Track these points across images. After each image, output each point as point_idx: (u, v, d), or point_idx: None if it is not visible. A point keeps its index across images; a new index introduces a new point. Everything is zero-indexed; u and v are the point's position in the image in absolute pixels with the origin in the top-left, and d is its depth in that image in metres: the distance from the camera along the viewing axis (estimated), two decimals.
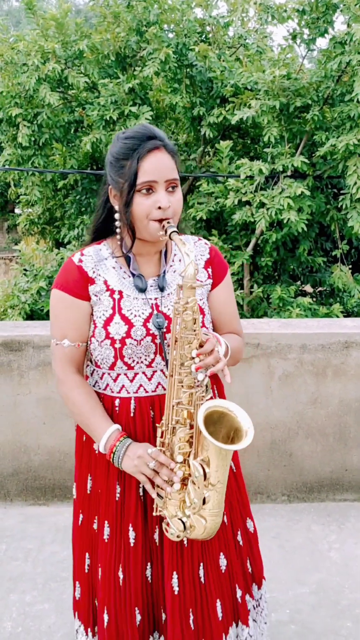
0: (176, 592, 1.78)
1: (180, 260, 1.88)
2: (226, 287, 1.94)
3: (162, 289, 1.83)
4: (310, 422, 3.53)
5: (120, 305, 1.78)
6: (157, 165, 1.71)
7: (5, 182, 9.69)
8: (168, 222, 1.70)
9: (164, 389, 1.77)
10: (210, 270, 1.91)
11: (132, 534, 1.81)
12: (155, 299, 1.81)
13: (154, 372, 1.79)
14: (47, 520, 3.43)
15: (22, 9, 7.74)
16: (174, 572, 1.79)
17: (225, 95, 7.09)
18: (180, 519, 1.67)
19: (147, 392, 1.80)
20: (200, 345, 1.65)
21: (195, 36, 7.18)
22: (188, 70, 7.27)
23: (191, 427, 1.66)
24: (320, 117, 6.40)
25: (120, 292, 1.80)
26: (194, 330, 1.64)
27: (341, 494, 3.60)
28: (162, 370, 1.78)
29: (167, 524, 1.70)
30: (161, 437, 1.69)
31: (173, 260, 1.89)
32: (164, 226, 1.70)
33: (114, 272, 1.82)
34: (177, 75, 7.32)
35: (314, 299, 7.35)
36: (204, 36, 7.54)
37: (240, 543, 1.98)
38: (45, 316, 7.34)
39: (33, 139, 7.14)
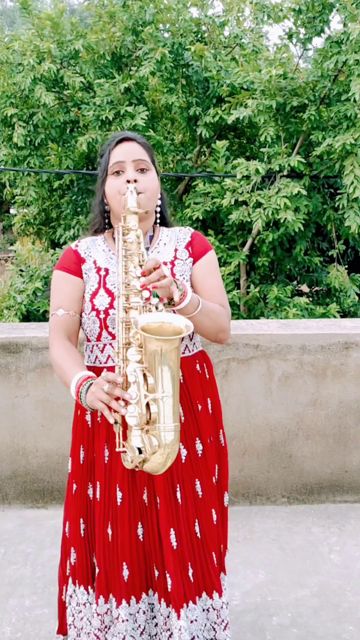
0: (175, 547, 1.88)
1: (165, 244, 2.04)
2: (207, 264, 2.04)
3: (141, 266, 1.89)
4: (310, 424, 3.52)
5: (105, 280, 1.96)
6: (125, 150, 1.96)
7: (0, 183, 9.64)
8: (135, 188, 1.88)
9: None
10: (190, 249, 2.05)
11: (119, 494, 1.91)
12: None
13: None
14: (45, 524, 3.41)
15: (17, 9, 7.70)
16: (171, 529, 1.88)
17: (222, 95, 7.07)
18: (137, 446, 1.60)
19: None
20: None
21: (191, 36, 7.16)
22: (184, 70, 7.25)
23: (141, 346, 1.65)
24: (317, 116, 6.38)
25: (106, 270, 1.98)
26: (140, 253, 1.76)
27: (341, 495, 3.59)
28: None
29: (124, 451, 1.65)
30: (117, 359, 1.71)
31: (158, 244, 2.05)
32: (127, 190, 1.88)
33: (102, 253, 2.02)
34: (173, 75, 7.30)
35: (311, 299, 7.35)
36: (199, 36, 7.52)
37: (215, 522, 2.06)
38: (42, 317, 7.32)
39: (28, 139, 7.11)
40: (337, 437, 3.53)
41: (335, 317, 6.68)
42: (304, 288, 8.22)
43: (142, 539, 1.92)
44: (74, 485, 2.04)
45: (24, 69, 6.88)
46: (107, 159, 1.98)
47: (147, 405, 1.57)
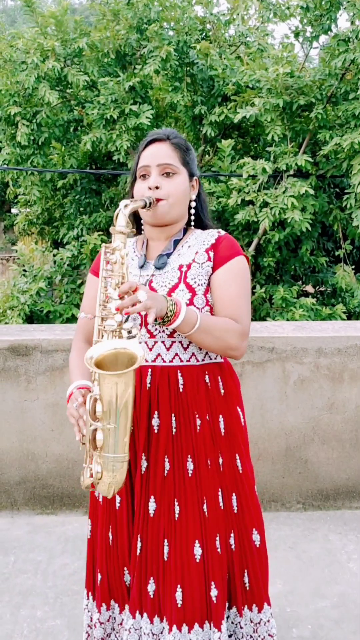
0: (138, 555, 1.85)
1: (189, 247, 1.93)
2: (228, 271, 1.88)
3: (158, 268, 1.89)
4: (326, 428, 3.44)
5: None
6: (152, 152, 1.89)
7: (3, 182, 9.57)
8: (148, 196, 1.81)
9: (146, 361, 1.85)
10: (211, 253, 1.91)
11: (117, 498, 1.89)
12: (152, 275, 1.89)
13: (139, 342, 1.74)
14: (55, 530, 3.33)
15: (18, 8, 7.68)
16: (138, 539, 1.84)
17: (227, 93, 7.01)
18: (90, 468, 1.67)
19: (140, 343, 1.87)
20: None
21: (196, 34, 7.11)
22: (189, 68, 7.19)
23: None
24: (324, 115, 6.32)
25: None
26: (121, 275, 1.68)
27: (358, 501, 3.51)
28: (146, 342, 1.85)
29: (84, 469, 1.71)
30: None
31: (182, 247, 1.94)
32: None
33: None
34: (178, 73, 7.24)
35: (316, 299, 7.29)
36: (204, 34, 7.46)
37: (232, 547, 1.92)
38: (45, 317, 7.25)
39: (32, 138, 7.05)
40: (354, 442, 3.46)
41: (341, 317, 6.62)
42: (309, 288, 8.17)
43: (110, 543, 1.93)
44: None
45: (27, 67, 6.82)
46: (137, 162, 1.93)
47: (95, 432, 1.62)
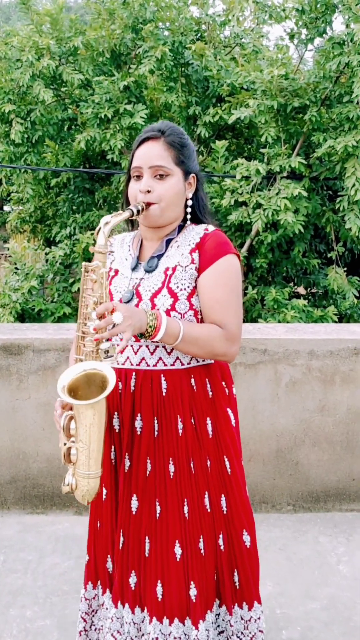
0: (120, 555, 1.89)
1: (177, 247, 1.89)
2: (212, 275, 1.83)
3: (147, 270, 1.87)
4: (318, 430, 3.45)
5: (112, 282, 1.92)
6: (145, 153, 1.84)
7: None
8: (136, 204, 1.79)
9: (131, 364, 1.85)
10: (195, 255, 1.86)
11: (104, 490, 1.93)
12: (141, 278, 1.87)
13: (125, 346, 1.74)
14: (46, 530, 3.33)
15: (12, 6, 7.69)
16: (121, 536, 1.88)
17: (222, 94, 7.01)
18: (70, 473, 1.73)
19: (117, 363, 1.86)
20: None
21: (192, 34, 7.11)
22: (184, 69, 7.19)
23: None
24: (318, 118, 6.33)
25: (116, 271, 1.94)
26: (99, 293, 1.68)
27: (348, 504, 3.53)
28: (131, 346, 1.84)
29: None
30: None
31: (171, 246, 1.90)
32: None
33: (122, 252, 1.99)
34: (173, 73, 7.25)
35: (308, 301, 7.30)
36: (200, 35, 7.47)
37: (222, 548, 1.91)
38: (37, 316, 7.23)
39: (26, 135, 7.03)
40: (345, 444, 3.47)
41: (333, 319, 6.64)
42: (301, 290, 8.18)
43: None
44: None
45: (22, 65, 6.81)
46: (131, 160, 1.89)
47: (70, 448, 1.69)
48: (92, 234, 7.15)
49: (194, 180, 1.93)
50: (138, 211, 1.77)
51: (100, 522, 1.97)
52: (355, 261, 8.11)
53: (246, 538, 1.95)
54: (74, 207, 8.05)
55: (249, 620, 1.96)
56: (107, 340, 1.68)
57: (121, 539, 1.88)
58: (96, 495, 1.75)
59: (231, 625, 1.93)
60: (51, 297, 7.79)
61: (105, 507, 1.94)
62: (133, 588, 1.88)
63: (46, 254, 7.73)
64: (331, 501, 3.52)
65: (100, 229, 1.70)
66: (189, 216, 1.94)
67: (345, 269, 7.40)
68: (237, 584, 1.94)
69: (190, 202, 1.93)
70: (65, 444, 1.69)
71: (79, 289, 7.25)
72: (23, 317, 7.30)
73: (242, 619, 1.96)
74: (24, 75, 6.70)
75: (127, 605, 1.89)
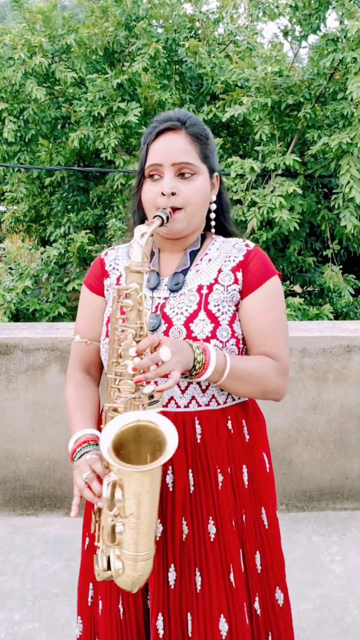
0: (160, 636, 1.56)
1: (210, 261, 1.60)
2: (262, 298, 1.56)
3: (172, 290, 1.57)
4: (310, 429, 3.41)
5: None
6: (165, 147, 1.52)
7: None
8: (163, 209, 1.48)
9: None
10: (239, 274, 1.57)
11: None
12: (165, 298, 1.57)
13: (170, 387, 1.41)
14: (36, 532, 3.28)
15: (7, 5, 7.63)
16: (159, 614, 1.55)
17: (216, 92, 6.98)
18: (108, 555, 1.36)
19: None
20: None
21: (185, 32, 7.08)
22: (177, 66, 7.16)
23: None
24: (312, 115, 6.30)
25: None
26: (138, 324, 1.35)
27: (341, 502, 3.49)
28: (156, 382, 1.45)
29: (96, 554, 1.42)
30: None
31: (201, 260, 1.61)
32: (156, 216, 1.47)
33: None
34: (167, 71, 7.22)
35: (304, 299, 7.27)
36: (193, 32, 7.44)
37: (258, 612, 1.64)
38: (32, 316, 7.19)
39: (19, 134, 7.00)
40: (338, 442, 3.43)
41: (329, 317, 6.61)
42: (297, 288, 8.16)
43: (121, 617, 1.60)
44: (87, 539, 1.75)
45: (14, 63, 6.77)
46: (144, 156, 1.56)
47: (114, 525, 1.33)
48: (86, 233, 7.11)
49: (218, 181, 1.65)
50: (167, 218, 1.47)
51: (130, 605, 1.58)
52: (351, 259, 8.08)
53: (279, 596, 1.68)
54: (69, 206, 8.02)
55: None
56: (151, 382, 1.35)
57: (160, 622, 1.54)
58: (147, 580, 1.40)
59: None
60: (46, 297, 7.75)
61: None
62: None
63: (41, 253, 7.69)
64: (324, 500, 3.48)
65: (135, 241, 1.38)
66: (212, 223, 1.65)
67: (341, 267, 7.37)
68: None
69: (213, 207, 1.63)
70: (111, 520, 1.31)
71: (74, 288, 7.28)
72: (18, 317, 7.26)
73: None
74: (17, 73, 6.67)
75: None
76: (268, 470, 1.70)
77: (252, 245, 1.62)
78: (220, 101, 6.98)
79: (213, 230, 1.66)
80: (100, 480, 1.40)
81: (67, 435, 1.62)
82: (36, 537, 3.23)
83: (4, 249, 8.34)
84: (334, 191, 6.44)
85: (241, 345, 1.57)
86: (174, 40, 6.94)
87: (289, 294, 7.40)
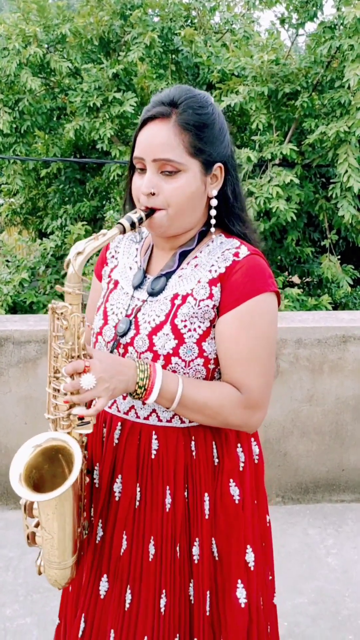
0: None
1: (196, 266, 1.45)
2: (236, 320, 1.39)
3: (149, 293, 1.46)
4: (306, 420, 3.38)
5: (109, 296, 1.53)
6: (147, 140, 1.37)
7: None
8: (134, 212, 1.37)
9: (118, 410, 1.49)
10: (215, 289, 1.41)
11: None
12: (143, 301, 1.47)
13: (95, 414, 1.35)
14: None
15: None
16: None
17: (212, 81, 6.91)
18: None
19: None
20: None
21: (181, 20, 6.99)
22: (173, 55, 7.08)
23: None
24: (309, 103, 6.23)
25: (116, 283, 1.54)
26: (70, 344, 1.29)
27: (338, 494, 3.46)
28: None
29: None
30: None
31: (188, 264, 1.47)
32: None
33: (127, 258, 1.57)
34: (163, 60, 7.13)
35: (302, 290, 7.22)
36: (189, 21, 7.35)
37: (207, 613, 1.50)
38: (29, 309, 7.16)
39: (14, 125, 6.93)
40: (334, 434, 3.40)
41: (327, 308, 6.56)
42: (295, 279, 8.11)
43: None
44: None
45: (9, 53, 6.70)
46: (133, 147, 1.43)
47: (34, 533, 1.44)
48: (83, 225, 7.06)
49: (221, 172, 1.44)
50: (133, 224, 1.34)
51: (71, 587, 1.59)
52: (350, 249, 8.02)
53: None
54: (65, 198, 7.96)
55: None
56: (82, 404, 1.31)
57: (81, 625, 1.51)
58: (70, 580, 1.46)
59: None
60: (43, 290, 7.71)
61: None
62: None
63: (39, 245, 7.65)
64: (320, 492, 3.45)
65: (69, 261, 1.28)
66: (213, 221, 1.46)
67: (339, 257, 7.32)
68: None
69: (215, 202, 1.45)
70: (27, 527, 1.40)
71: None
72: (15, 310, 7.22)
73: None
74: (11, 63, 6.59)
75: None
76: (238, 501, 1.51)
77: (244, 252, 1.42)
78: (216, 90, 6.90)
79: (213, 229, 1.48)
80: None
81: None
82: None
83: (1, 242, 8.28)
84: (331, 181, 6.38)
85: (211, 366, 1.43)
86: (170, 29, 6.86)
87: (288, 284, 7.34)
